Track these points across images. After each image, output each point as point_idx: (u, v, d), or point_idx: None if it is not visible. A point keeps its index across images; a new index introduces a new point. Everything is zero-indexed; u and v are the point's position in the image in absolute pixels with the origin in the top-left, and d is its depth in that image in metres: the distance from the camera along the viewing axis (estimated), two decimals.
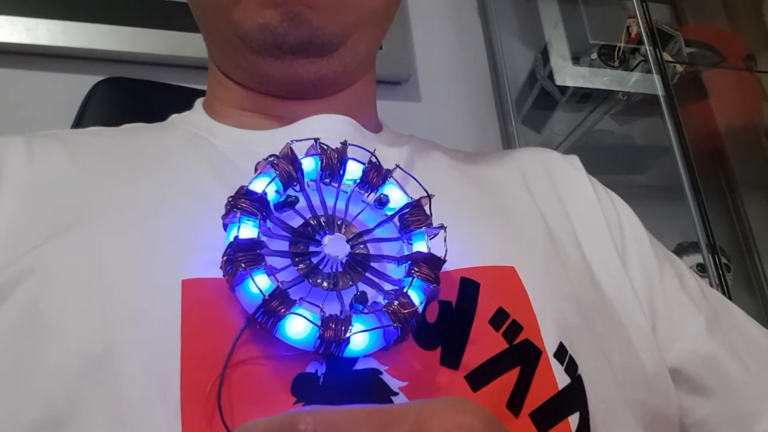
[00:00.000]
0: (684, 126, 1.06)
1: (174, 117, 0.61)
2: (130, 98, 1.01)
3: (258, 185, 0.39)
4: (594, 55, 1.24)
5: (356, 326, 0.36)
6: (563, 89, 1.24)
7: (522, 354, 0.43)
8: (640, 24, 1.13)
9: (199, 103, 0.62)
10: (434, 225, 0.42)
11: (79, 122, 0.96)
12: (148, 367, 0.37)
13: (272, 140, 0.53)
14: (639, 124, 1.35)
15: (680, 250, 1.20)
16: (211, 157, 0.51)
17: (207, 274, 0.40)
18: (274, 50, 0.52)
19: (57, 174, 0.48)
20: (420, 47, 1.34)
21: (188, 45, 1.16)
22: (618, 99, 1.23)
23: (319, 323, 0.36)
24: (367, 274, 0.40)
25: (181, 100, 0.64)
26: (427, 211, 0.42)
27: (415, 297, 0.38)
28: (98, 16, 1.14)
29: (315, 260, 0.39)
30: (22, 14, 1.11)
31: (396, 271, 0.41)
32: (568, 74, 1.24)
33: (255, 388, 0.37)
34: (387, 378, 0.39)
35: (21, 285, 0.40)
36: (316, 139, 0.42)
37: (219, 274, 0.39)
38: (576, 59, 1.26)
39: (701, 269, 1.03)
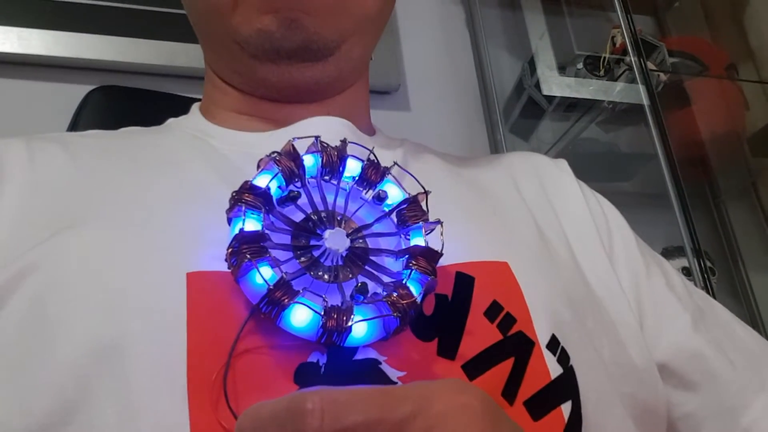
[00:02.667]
0: (668, 134, 1.08)
1: (171, 121, 0.62)
2: (122, 107, 1.01)
3: (261, 181, 0.40)
4: (580, 65, 1.27)
5: (357, 316, 0.37)
6: (550, 98, 1.27)
7: (516, 345, 0.44)
8: (625, 34, 1.16)
9: (195, 107, 0.63)
10: (430, 220, 0.43)
11: (73, 129, 0.96)
12: (155, 357, 0.38)
13: (270, 142, 0.53)
14: (624, 133, 1.37)
15: (666, 255, 1.21)
16: (211, 158, 0.52)
17: (211, 267, 0.41)
18: (272, 55, 0.54)
19: (58, 173, 0.49)
20: (409, 57, 1.36)
21: (180, 55, 1.17)
22: (603, 108, 1.26)
23: (322, 313, 0.37)
24: (367, 267, 0.41)
25: (173, 108, 0.65)
26: (424, 207, 0.43)
27: (414, 289, 0.40)
28: (90, 26, 1.15)
29: (316, 254, 0.40)
30: (14, 24, 1.12)
31: (394, 265, 0.43)
32: (555, 84, 1.26)
33: (259, 377, 0.38)
34: (386, 368, 0.40)
35: (26, 280, 0.41)
36: (317, 137, 0.43)
37: (222, 267, 0.40)
38: (562, 69, 1.28)
39: (686, 273, 1.05)
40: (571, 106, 1.28)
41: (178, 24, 1.18)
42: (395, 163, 0.46)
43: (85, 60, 1.14)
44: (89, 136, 0.58)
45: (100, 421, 0.36)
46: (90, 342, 0.38)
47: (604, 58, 1.25)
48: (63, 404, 0.37)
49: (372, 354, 0.40)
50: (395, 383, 0.40)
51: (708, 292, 0.97)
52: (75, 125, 0.97)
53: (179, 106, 0.65)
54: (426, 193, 0.44)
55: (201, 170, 0.50)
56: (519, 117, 1.34)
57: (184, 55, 1.17)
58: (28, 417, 0.36)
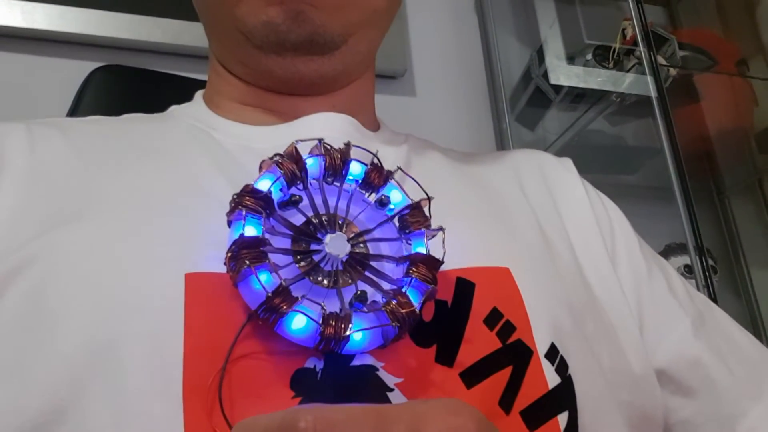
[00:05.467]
0: (675, 128, 1.07)
1: (173, 108, 0.62)
2: (126, 86, 1.01)
3: (263, 184, 0.39)
4: (589, 56, 1.25)
5: (356, 324, 0.37)
6: (557, 88, 1.25)
7: (514, 354, 0.44)
8: (636, 26, 1.15)
9: (199, 95, 0.63)
10: (433, 226, 0.43)
11: (76, 109, 0.96)
12: (151, 359, 0.37)
13: (273, 137, 0.53)
14: (631, 125, 1.37)
15: (668, 251, 1.22)
16: (213, 152, 0.52)
17: (209, 268, 0.41)
18: (277, 47, 0.53)
19: (59, 163, 0.49)
20: (416, 42, 1.35)
21: (186, 33, 1.16)
22: (611, 100, 1.25)
23: (320, 321, 0.37)
24: (367, 273, 0.41)
25: (177, 89, 0.65)
26: (427, 213, 0.43)
27: (413, 297, 0.39)
28: (96, 1, 1.14)
29: (316, 258, 0.40)
30: None
31: (394, 271, 0.42)
32: (563, 73, 1.25)
33: (255, 382, 0.38)
34: (383, 374, 0.40)
35: (23, 274, 0.40)
36: (320, 140, 0.42)
37: (221, 268, 0.39)
38: (571, 59, 1.27)
39: (688, 270, 1.05)
40: (578, 96, 1.27)
41: (184, 2, 1.16)
42: (399, 168, 0.45)
43: (89, 36, 1.13)
44: (91, 122, 0.58)
45: (93, 422, 0.36)
46: (85, 341, 0.38)
47: (614, 49, 1.24)
48: (57, 403, 0.36)
49: (369, 360, 0.40)
50: (392, 390, 0.40)
51: (709, 291, 0.97)
52: (78, 103, 0.96)
53: (183, 88, 0.65)
54: (429, 198, 0.43)
55: (203, 165, 0.50)
56: (525, 106, 1.33)
57: (190, 33, 1.16)
58: (22, 415, 0.36)
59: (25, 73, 1.11)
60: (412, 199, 0.43)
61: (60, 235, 0.42)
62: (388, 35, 0.62)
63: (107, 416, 0.36)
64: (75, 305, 0.39)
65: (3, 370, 0.38)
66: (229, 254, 0.37)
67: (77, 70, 1.02)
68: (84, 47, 1.14)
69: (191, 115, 0.59)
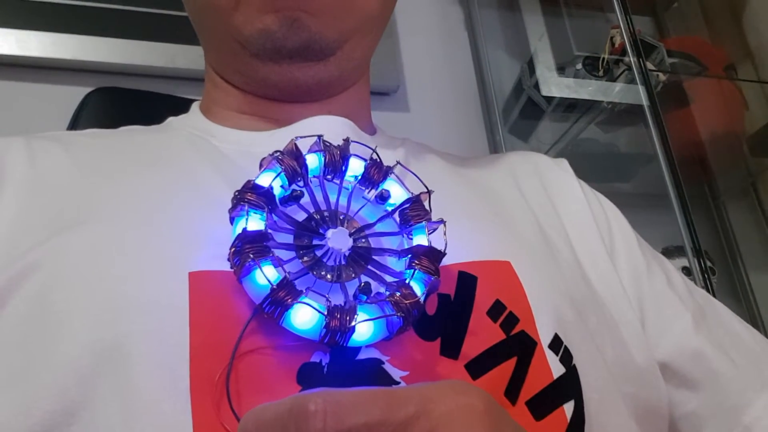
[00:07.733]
0: (668, 134, 1.08)
1: (171, 119, 0.62)
2: (121, 109, 1.01)
3: (264, 179, 0.40)
4: (579, 66, 1.27)
5: (360, 316, 0.37)
6: (549, 99, 1.26)
7: (518, 345, 0.44)
8: (624, 35, 1.16)
9: (195, 106, 0.63)
10: (433, 220, 0.43)
11: (72, 130, 0.96)
12: (158, 356, 0.37)
13: (271, 141, 0.54)
14: (624, 133, 1.37)
15: (666, 254, 1.20)
16: (212, 156, 0.52)
17: (212, 266, 0.41)
18: (273, 54, 0.54)
19: (59, 173, 0.49)
20: (408, 58, 1.36)
21: (179, 56, 1.17)
22: (603, 108, 1.26)
23: (325, 312, 0.37)
24: (370, 267, 0.41)
25: (173, 109, 0.65)
26: (427, 207, 0.43)
27: (417, 288, 0.39)
28: (89, 28, 1.15)
29: (319, 253, 0.40)
30: (12, 26, 1.11)
31: (397, 265, 0.42)
32: (554, 84, 1.26)
33: (262, 377, 0.38)
34: (389, 368, 0.40)
35: (28, 279, 0.41)
36: (319, 136, 0.43)
37: (224, 266, 0.39)
38: (561, 70, 1.28)
39: (686, 272, 1.05)
40: (570, 106, 1.28)
41: (176, 25, 1.18)
42: (398, 162, 0.46)
43: (83, 62, 1.14)
44: (89, 134, 0.58)
45: (103, 421, 0.36)
46: (92, 342, 0.38)
47: (603, 58, 1.25)
48: (66, 405, 0.36)
49: (375, 354, 0.40)
50: (398, 383, 0.40)
51: (708, 292, 0.97)
52: (74, 127, 0.97)
53: (178, 108, 0.65)
54: (429, 192, 0.44)
55: (202, 169, 0.50)
56: (518, 118, 1.34)
57: (183, 56, 1.17)
58: (31, 418, 0.36)
59: (21, 101, 1.12)
60: (412, 193, 0.44)
61: (62, 240, 0.43)
62: (380, 52, 0.63)
63: (116, 414, 0.36)
64: (80, 307, 0.39)
65: (12, 374, 0.38)
66: (233, 249, 0.37)
67: (72, 95, 1.03)
68: (79, 73, 1.15)
69: (189, 124, 0.59)
